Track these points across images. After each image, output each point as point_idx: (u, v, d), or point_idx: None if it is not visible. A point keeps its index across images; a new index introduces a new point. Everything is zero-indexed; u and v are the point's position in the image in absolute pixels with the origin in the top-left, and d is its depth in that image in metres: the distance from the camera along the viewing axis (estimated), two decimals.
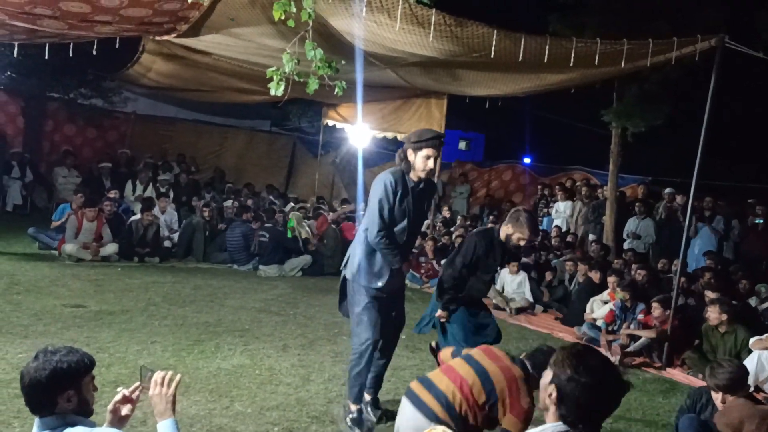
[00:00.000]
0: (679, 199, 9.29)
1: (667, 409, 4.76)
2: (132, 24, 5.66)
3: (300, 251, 8.92)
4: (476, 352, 3.12)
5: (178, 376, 2.18)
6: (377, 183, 3.70)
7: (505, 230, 4.22)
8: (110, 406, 2.20)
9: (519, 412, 2.88)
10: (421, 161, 3.62)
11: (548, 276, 8.52)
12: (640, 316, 6.26)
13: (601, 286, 7.33)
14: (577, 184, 11.30)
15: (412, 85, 9.07)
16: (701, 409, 3.70)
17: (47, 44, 6.53)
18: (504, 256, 4.46)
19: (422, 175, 3.69)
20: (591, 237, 9.83)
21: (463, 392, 2.88)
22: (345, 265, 3.90)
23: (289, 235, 9.06)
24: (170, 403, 2.13)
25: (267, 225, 9.08)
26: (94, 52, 6.69)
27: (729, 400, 3.36)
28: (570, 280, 8.17)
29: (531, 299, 7.93)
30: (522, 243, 4.26)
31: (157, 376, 2.14)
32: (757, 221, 8.80)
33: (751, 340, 5.36)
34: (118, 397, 2.21)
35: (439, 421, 2.73)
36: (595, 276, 7.54)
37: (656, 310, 6.02)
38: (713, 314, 5.62)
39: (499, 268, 5.33)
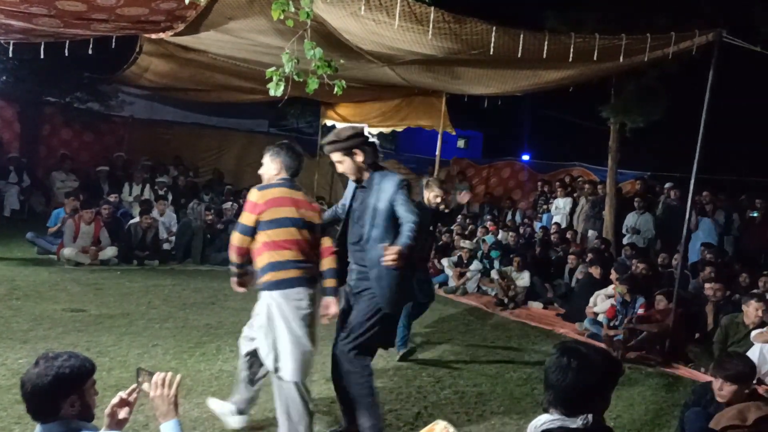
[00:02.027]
0: (674, 193, 9.28)
1: (670, 404, 4.75)
2: (128, 22, 5.64)
3: None
4: None
5: (178, 377, 2.17)
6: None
7: (425, 196, 5.27)
8: (107, 410, 2.18)
9: None
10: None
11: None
12: (640, 311, 6.26)
13: (602, 282, 7.33)
14: (579, 179, 11.29)
15: (411, 83, 9.05)
16: (706, 404, 3.68)
17: (42, 44, 6.50)
18: (434, 219, 5.46)
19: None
20: (591, 233, 9.84)
21: None
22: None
23: None
24: (172, 404, 2.12)
25: None
26: (90, 51, 6.64)
27: (728, 390, 3.35)
28: (570, 274, 8.17)
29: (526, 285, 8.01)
30: (439, 200, 5.25)
31: (157, 377, 2.13)
32: (753, 214, 8.80)
33: (753, 333, 5.35)
34: (115, 400, 2.19)
35: None
36: (595, 271, 7.54)
37: (661, 302, 6.01)
38: (754, 309, 5.36)
39: (432, 228, 5.77)
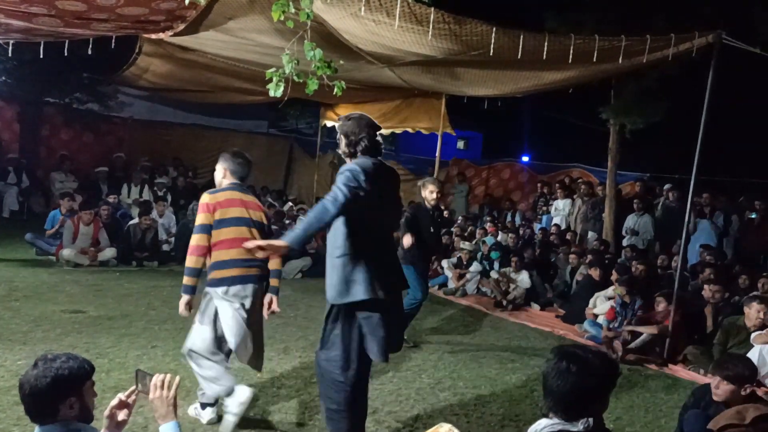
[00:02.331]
0: (672, 195, 9.29)
1: (670, 405, 4.75)
2: (128, 22, 5.64)
3: (300, 253, 8.90)
4: None
5: (178, 378, 2.17)
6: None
7: (423, 196, 5.43)
8: (106, 412, 2.18)
9: None
10: None
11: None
12: (640, 312, 6.26)
13: (601, 283, 7.33)
14: (579, 180, 11.30)
15: (411, 84, 9.06)
16: (705, 406, 3.68)
17: (42, 43, 6.50)
18: (434, 220, 5.53)
19: None
20: (591, 235, 9.84)
21: None
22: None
23: None
24: (172, 405, 2.13)
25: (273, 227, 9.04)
26: (90, 52, 6.65)
27: (722, 388, 3.34)
28: (571, 275, 8.16)
29: (527, 286, 8.00)
30: (434, 196, 5.40)
31: (157, 379, 2.13)
32: (752, 215, 8.81)
33: (753, 335, 5.34)
34: (114, 402, 2.19)
35: None
36: (594, 273, 7.54)
37: (660, 304, 6.00)
38: (756, 311, 5.31)
39: (434, 230, 5.69)
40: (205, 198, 3.65)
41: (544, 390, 1.99)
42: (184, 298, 3.59)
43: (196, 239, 3.58)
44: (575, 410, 1.91)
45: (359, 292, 3.07)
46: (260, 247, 3.01)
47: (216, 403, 3.75)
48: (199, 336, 3.62)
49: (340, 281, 3.11)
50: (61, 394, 2.02)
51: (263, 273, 3.70)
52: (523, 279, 8.01)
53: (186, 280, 3.58)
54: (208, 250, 3.58)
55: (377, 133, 3.27)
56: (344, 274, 3.10)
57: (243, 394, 3.55)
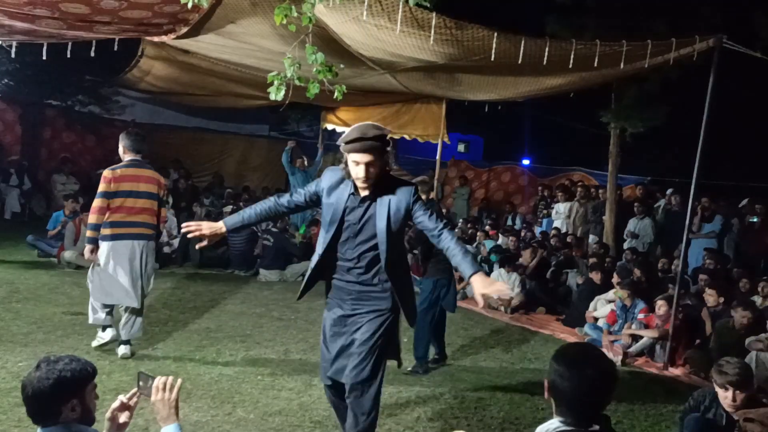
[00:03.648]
0: (674, 199, 9.29)
1: (670, 409, 4.74)
2: (131, 25, 5.65)
3: (302, 257, 8.93)
4: None
5: (179, 381, 2.18)
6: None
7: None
8: (108, 414, 2.19)
9: None
10: (351, 167, 2.97)
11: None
12: (641, 316, 6.26)
13: (602, 287, 7.33)
14: (579, 183, 11.31)
15: (412, 90, 9.07)
16: (705, 410, 3.68)
17: (45, 45, 6.52)
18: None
19: (358, 183, 2.99)
20: (591, 238, 9.84)
21: None
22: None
23: (299, 240, 9.06)
24: (173, 408, 2.13)
25: (273, 229, 9.06)
26: (92, 54, 6.68)
27: (740, 398, 3.34)
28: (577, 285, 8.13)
29: (521, 295, 7.91)
30: (424, 195, 4.85)
31: (159, 381, 2.14)
32: (753, 219, 8.80)
33: (748, 340, 5.35)
34: (116, 404, 2.20)
35: None
36: (595, 276, 7.53)
37: (661, 308, 6.01)
38: (740, 317, 5.47)
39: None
40: (107, 173, 4.71)
41: (554, 394, 1.88)
42: (88, 247, 4.72)
43: (99, 202, 4.65)
44: (588, 415, 1.83)
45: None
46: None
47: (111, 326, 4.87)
48: (97, 276, 4.78)
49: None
50: (64, 396, 2.03)
51: (150, 234, 4.86)
52: (515, 288, 7.97)
53: (89, 233, 4.73)
54: (105, 211, 4.67)
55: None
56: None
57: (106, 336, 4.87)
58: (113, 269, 4.72)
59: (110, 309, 4.89)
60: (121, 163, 4.82)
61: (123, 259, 4.73)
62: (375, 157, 2.91)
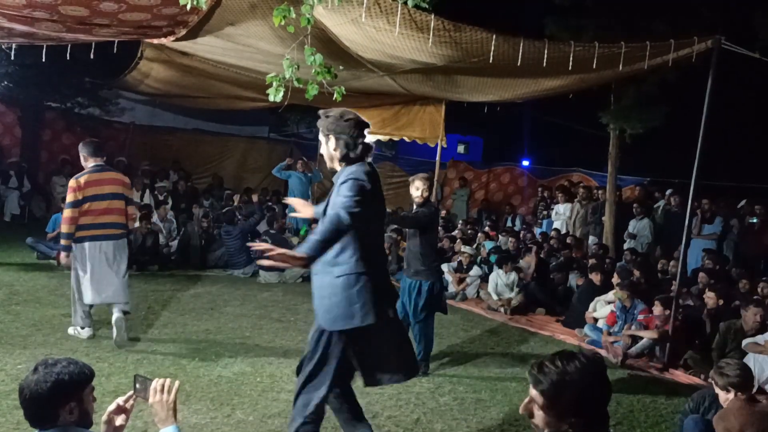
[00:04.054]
0: (674, 200, 9.29)
1: (670, 410, 4.74)
2: (130, 27, 5.66)
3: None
4: None
5: (177, 383, 2.18)
6: None
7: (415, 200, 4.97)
8: (104, 417, 2.18)
9: None
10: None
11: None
12: (641, 317, 6.25)
13: (602, 288, 7.32)
14: (581, 185, 11.31)
15: (411, 92, 9.07)
16: (704, 412, 3.69)
17: (44, 47, 6.54)
18: (420, 217, 4.94)
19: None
20: (591, 239, 9.84)
21: None
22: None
23: (298, 242, 9.07)
24: (172, 410, 2.13)
25: (271, 231, 9.07)
26: (92, 56, 6.69)
27: (732, 400, 3.34)
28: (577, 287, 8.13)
29: (520, 296, 7.90)
30: (419, 193, 4.87)
31: (157, 383, 2.14)
32: (752, 220, 8.81)
33: (745, 342, 5.34)
34: (112, 407, 2.19)
35: None
36: (595, 278, 7.53)
37: (657, 308, 6.00)
38: (753, 314, 5.40)
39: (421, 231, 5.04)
40: (72, 183, 4.98)
41: (557, 400, 1.73)
42: (63, 254, 5.11)
43: (69, 212, 4.95)
44: (595, 423, 1.73)
45: (368, 316, 2.84)
46: (282, 257, 2.65)
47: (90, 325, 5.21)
48: (79, 280, 5.13)
49: (341, 304, 2.88)
50: (62, 399, 2.03)
51: (118, 233, 5.18)
52: (515, 288, 7.96)
53: (63, 242, 5.05)
54: (76, 221, 4.95)
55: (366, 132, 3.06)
56: (347, 295, 2.88)
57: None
58: (91, 270, 5.04)
59: (89, 309, 5.25)
60: (84, 171, 5.11)
61: (97, 260, 5.06)
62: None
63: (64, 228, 5.01)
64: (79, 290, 5.13)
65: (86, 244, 5.03)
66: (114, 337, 5.07)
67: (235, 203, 10.83)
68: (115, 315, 5.10)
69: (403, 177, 13.66)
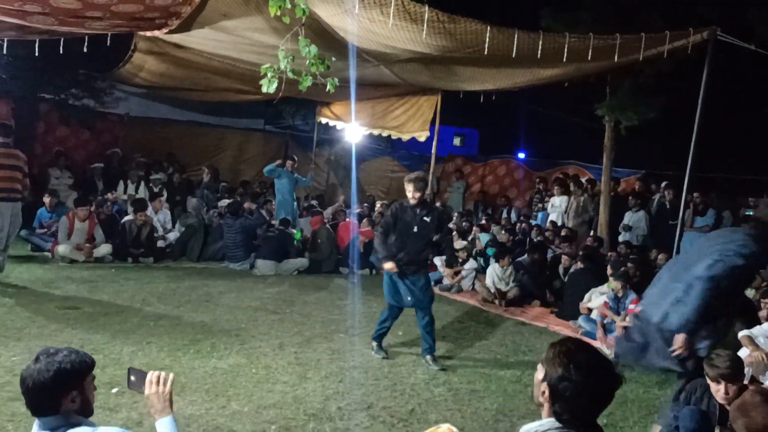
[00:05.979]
0: (668, 193, 9.32)
1: (663, 400, 4.77)
2: (123, 20, 5.62)
3: (299, 254, 8.97)
4: None
5: (172, 375, 2.20)
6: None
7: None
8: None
9: None
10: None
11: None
12: (631, 306, 6.27)
13: (596, 280, 7.34)
14: (576, 176, 11.33)
15: (407, 81, 9.05)
16: (696, 402, 3.71)
17: (37, 41, 6.50)
18: (421, 217, 5.16)
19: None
20: (586, 231, 9.87)
21: None
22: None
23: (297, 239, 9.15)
24: (167, 401, 2.15)
25: (279, 227, 9.10)
26: (85, 49, 6.66)
27: (732, 391, 3.36)
28: (565, 273, 8.18)
29: (516, 289, 7.93)
30: (410, 195, 5.09)
31: (152, 375, 2.15)
32: (747, 213, 8.85)
33: (740, 334, 5.35)
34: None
35: None
36: (589, 269, 7.55)
37: None
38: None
39: (419, 230, 5.19)
40: None
41: (557, 396, 1.79)
42: None
43: None
44: (591, 418, 1.81)
45: None
46: None
47: None
48: None
49: None
50: (64, 387, 2.04)
51: (11, 197, 6.54)
52: (511, 281, 7.98)
53: None
54: None
55: None
56: None
57: None
58: None
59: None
60: None
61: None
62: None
63: None
64: None
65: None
66: None
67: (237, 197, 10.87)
68: None
69: (401, 172, 13.69)
